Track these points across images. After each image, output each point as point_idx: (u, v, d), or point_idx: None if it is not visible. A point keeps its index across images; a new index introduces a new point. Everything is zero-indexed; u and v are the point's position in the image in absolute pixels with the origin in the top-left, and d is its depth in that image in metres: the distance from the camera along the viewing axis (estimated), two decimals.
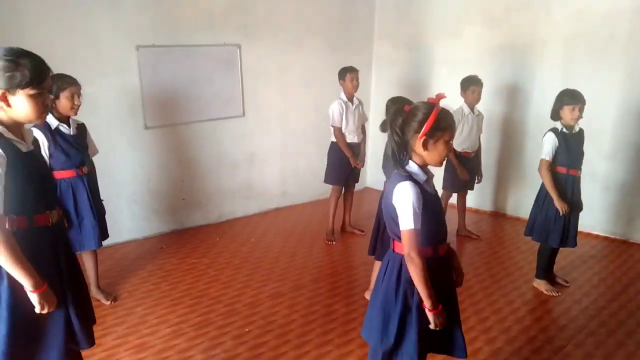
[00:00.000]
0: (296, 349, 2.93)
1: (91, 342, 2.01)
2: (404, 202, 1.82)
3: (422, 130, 1.82)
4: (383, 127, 2.70)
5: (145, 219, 4.64)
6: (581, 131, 3.56)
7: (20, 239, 1.71)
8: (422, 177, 1.88)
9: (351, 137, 4.54)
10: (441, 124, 1.83)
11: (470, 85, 4.37)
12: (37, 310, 1.75)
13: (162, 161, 4.69)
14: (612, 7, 4.48)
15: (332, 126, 4.52)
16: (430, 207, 1.88)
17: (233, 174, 5.23)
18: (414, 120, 1.85)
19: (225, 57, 4.94)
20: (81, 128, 3.22)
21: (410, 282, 1.90)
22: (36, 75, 1.67)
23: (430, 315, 1.88)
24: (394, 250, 1.98)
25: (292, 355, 2.87)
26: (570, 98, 3.41)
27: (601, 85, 4.58)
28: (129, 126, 4.41)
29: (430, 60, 5.74)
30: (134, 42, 4.31)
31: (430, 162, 1.90)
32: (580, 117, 3.43)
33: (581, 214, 3.65)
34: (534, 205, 3.71)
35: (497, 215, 5.46)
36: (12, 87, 1.65)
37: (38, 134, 2.87)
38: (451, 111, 4.44)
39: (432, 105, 1.85)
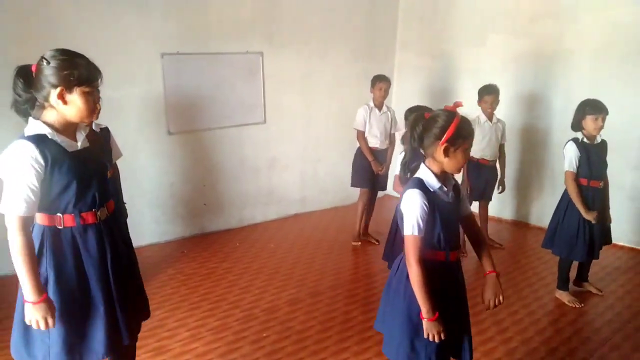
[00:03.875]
0: (313, 355, 2.93)
1: (133, 337, 2.07)
2: (410, 209, 1.86)
3: (444, 137, 1.84)
4: (404, 140, 2.73)
5: (167, 223, 4.71)
6: (604, 142, 3.50)
7: (67, 238, 1.82)
8: (435, 184, 1.90)
9: (374, 142, 4.56)
10: (462, 132, 1.86)
11: (485, 95, 4.35)
12: (27, 322, 1.77)
13: (185, 166, 4.76)
14: None
15: (354, 128, 4.56)
16: (443, 215, 1.90)
17: (254, 180, 5.28)
18: (435, 126, 1.87)
19: (248, 64, 5.00)
20: (104, 132, 3.28)
21: None
22: (90, 73, 1.75)
23: (424, 324, 1.89)
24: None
25: None
26: (592, 108, 3.36)
27: (630, 97, 4.49)
28: (152, 131, 4.49)
29: (454, 68, 5.71)
30: (159, 49, 4.40)
31: (448, 169, 1.92)
32: (602, 127, 3.37)
33: None
34: (553, 215, 3.66)
35: (520, 225, 5.38)
36: (68, 85, 1.71)
37: None
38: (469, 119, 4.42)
39: (452, 113, 1.87)
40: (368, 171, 4.58)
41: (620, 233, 4.63)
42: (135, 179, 4.33)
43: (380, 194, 5.08)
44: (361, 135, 4.55)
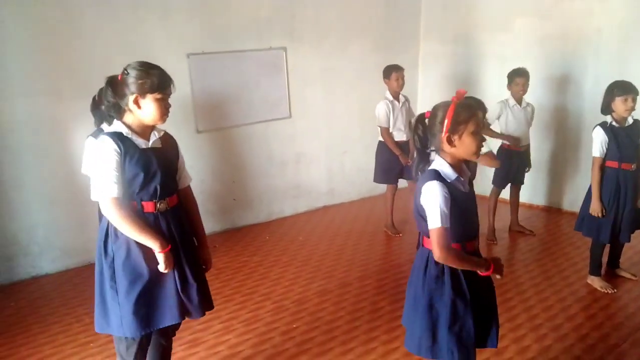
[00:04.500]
0: (342, 345, 2.99)
1: (203, 311, 2.25)
2: (432, 201, 1.84)
3: (444, 128, 1.85)
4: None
5: None
6: (636, 123, 3.42)
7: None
8: (451, 175, 1.89)
9: (399, 136, 4.56)
10: (460, 117, 1.85)
11: (515, 77, 4.28)
12: (161, 269, 2.06)
13: (214, 163, 4.88)
14: None
15: (379, 127, 4.54)
16: (460, 206, 1.89)
17: (282, 174, 5.36)
18: (435, 121, 1.89)
19: (272, 60, 5.06)
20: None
21: (436, 278, 1.93)
22: (162, 82, 2.00)
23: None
24: (423, 246, 2.01)
25: (338, 352, 2.93)
26: (621, 89, 3.29)
27: None
28: (182, 131, 4.57)
29: (479, 54, 5.64)
30: (184, 50, 4.51)
31: (463, 156, 1.92)
32: (633, 108, 3.30)
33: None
34: (585, 198, 3.61)
35: (552, 211, 5.30)
36: (142, 92, 1.98)
37: None
38: (495, 103, 4.34)
39: (448, 102, 1.88)
40: (393, 166, 4.56)
41: None
42: None
43: (403, 184, 5.05)
44: (386, 132, 4.52)
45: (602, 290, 3.51)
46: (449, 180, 1.89)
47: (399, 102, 4.55)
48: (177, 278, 2.12)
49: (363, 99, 5.60)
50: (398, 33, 5.92)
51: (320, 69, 5.41)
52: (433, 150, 1.98)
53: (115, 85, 2.02)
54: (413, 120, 4.55)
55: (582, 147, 4.97)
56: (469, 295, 1.94)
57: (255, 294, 3.67)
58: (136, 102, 1.99)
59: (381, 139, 4.61)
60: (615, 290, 3.51)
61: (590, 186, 3.54)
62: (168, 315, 2.13)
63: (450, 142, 1.86)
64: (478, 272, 1.93)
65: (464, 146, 1.87)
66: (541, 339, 2.97)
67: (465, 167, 2.00)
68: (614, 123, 3.36)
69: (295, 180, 5.49)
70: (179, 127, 4.55)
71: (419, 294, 1.99)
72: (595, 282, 3.60)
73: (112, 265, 2.07)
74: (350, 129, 5.75)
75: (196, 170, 4.74)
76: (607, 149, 3.38)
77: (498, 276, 1.97)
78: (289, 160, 5.40)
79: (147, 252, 2.05)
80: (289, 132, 5.31)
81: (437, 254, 1.84)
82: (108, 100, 2.05)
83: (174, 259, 2.09)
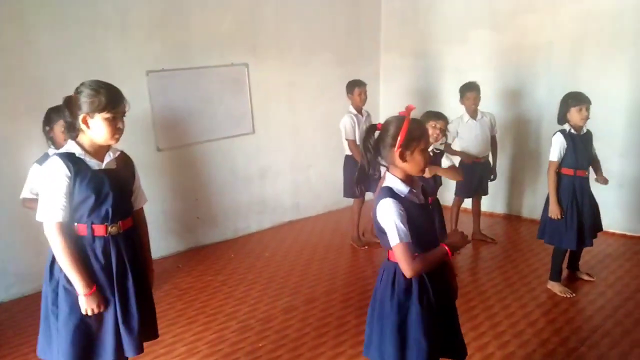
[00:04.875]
0: None
1: (138, 350, 2.15)
2: (388, 219, 1.86)
3: (397, 143, 1.87)
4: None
5: (161, 239, 4.73)
6: (589, 132, 3.56)
7: (79, 245, 2.01)
8: (404, 190, 1.91)
9: None
10: (414, 134, 1.88)
11: (466, 92, 4.41)
12: (83, 311, 2.00)
13: (176, 181, 4.80)
14: (617, 6, 4.46)
15: (347, 139, 4.59)
16: (417, 218, 1.91)
17: (246, 190, 5.32)
18: (387, 135, 1.90)
19: (234, 76, 5.05)
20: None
21: (405, 292, 1.93)
22: (111, 101, 1.96)
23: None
24: (388, 259, 2.01)
25: None
26: (575, 100, 3.43)
27: (610, 84, 4.56)
28: (141, 149, 4.50)
29: (438, 67, 5.77)
30: (144, 67, 4.44)
31: (412, 172, 1.94)
32: (587, 117, 3.43)
33: None
34: (544, 206, 3.71)
35: (512, 218, 5.43)
36: (91, 111, 1.95)
37: None
38: (451, 119, 4.47)
39: (402, 117, 1.89)
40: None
41: (611, 220, 4.66)
42: None
43: (371, 196, 5.11)
44: (353, 144, 4.56)
45: (562, 295, 3.60)
46: (402, 195, 1.91)
47: (362, 116, 4.61)
48: (118, 309, 2.07)
49: (327, 112, 5.64)
50: (359, 47, 6.01)
51: (284, 84, 5.42)
52: (384, 165, 1.99)
53: (70, 104, 2.00)
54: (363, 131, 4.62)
55: (539, 155, 5.12)
56: (435, 307, 1.95)
57: (220, 314, 3.61)
58: (85, 121, 1.96)
59: (347, 152, 4.65)
60: (574, 294, 3.60)
61: (548, 194, 3.64)
62: (105, 352, 2.07)
63: (402, 157, 1.88)
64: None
65: (414, 162, 1.90)
66: (504, 346, 3.01)
67: (416, 179, 2.02)
68: (572, 131, 3.48)
69: (261, 195, 5.46)
70: (138, 146, 4.49)
71: (387, 311, 1.96)
72: (555, 287, 3.68)
73: (55, 289, 2.04)
74: (316, 143, 5.77)
75: (158, 189, 4.67)
76: (565, 156, 3.49)
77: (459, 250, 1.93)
78: (254, 175, 5.37)
79: None
80: (252, 147, 5.28)
81: (406, 271, 1.85)
82: (66, 121, 2.03)
83: (102, 298, 2.03)
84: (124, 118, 2.06)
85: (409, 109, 1.90)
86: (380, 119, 6.09)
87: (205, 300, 3.84)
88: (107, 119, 1.96)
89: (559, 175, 3.53)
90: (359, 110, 4.62)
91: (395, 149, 1.87)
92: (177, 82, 4.65)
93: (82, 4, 4.06)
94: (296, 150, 5.67)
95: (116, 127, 2.00)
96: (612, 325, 3.19)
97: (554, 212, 3.50)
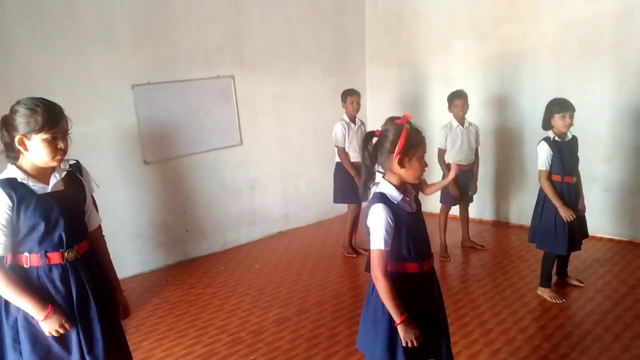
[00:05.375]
0: None
1: None
2: (376, 224, 1.91)
3: (397, 150, 1.89)
4: None
5: (150, 252, 4.71)
6: (574, 138, 3.59)
7: (34, 277, 1.88)
8: (397, 196, 1.94)
9: (355, 156, 4.63)
10: (413, 141, 1.92)
11: (454, 100, 4.45)
12: (46, 334, 1.88)
13: (164, 194, 4.77)
14: (595, 11, 4.54)
15: (336, 146, 4.62)
16: (408, 225, 1.94)
17: (235, 202, 5.30)
18: (386, 141, 1.93)
19: (220, 88, 5.05)
20: (73, 168, 3.28)
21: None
22: (48, 120, 1.81)
23: (399, 330, 1.92)
24: None
25: None
26: (559, 107, 3.46)
27: (593, 89, 4.62)
28: (128, 163, 4.50)
29: (423, 76, 5.82)
30: (129, 81, 4.43)
31: (408, 179, 1.97)
32: (571, 124, 3.47)
33: None
34: (533, 212, 3.74)
35: (500, 225, 5.46)
36: (27, 132, 1.80)
37: None
38: (440, 128, 4.53)
39: (400, 125, 1.92)
40: (350, 185, 4.62)
41: (597, 225, 4.73)
42: (115, 211, 4.32)
43: (363, 205, 5.12)
44: (342, 152, 4.61)
45: (552, 301, 3.62)
46: (395, 202, 1.93)
47: (354, 124, 4.65)
48: (82, 337, 1.94)
49: (316, 123, 5.67)
50: (345, 58, 6.05)
51: (271, 95, 5.43)
52: (380, 172, 2.02)
53: (7, 124, 1.83)
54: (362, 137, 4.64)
55: (524, 162, 5.17)
56: (422, 314, 1.99)
57: (211, 327, 3.57)
58: (22, 143, 1.81)
59: (338, 159, 4.68)
60: (564, 300, 3.62)
61: (537, 200, 3.66)
62: None
63: (401, 163, 1.91)
64: (395, 318, 1.93)
65: (412, 169, 1.94)
66: (495, 353, 3.01)
67: (410, 187, 2.04)
68: (556, 138, 3.51)
69: (250, 207, 5.44)
70: (125, 159, 4.49)
71: (379, 316, 1.98)
72: (545, 293, 3.70)
73: (14, 325, 1.89)
74: (304, 153, 5.78)
75: (145, 202, 4.65)
76: (552, 163, 3.52)
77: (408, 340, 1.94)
78: (242, 187, 5.35)
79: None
80: (240, 159, 5.27)
81: (375, 276, 1.92)
82: (4, 142, 1.86)
83: (62, 315, 1.88)
84: (68, 135, 1.90)
85: (405, 117, 1.94)
86: (367, 128, 6.14)
87: (196, 313, 3.80)
88: (45, 140, 1.81)
89: (550, 179, 3.55)
90: (352, 119, 4.66)
91: (394, 155, 1.90)
92: (163, 95, 4.64)
93: (66, 18, 4.05)
94: (285, 161, 5.66)
95: (56, 148, 1.85)
96: (602, 330, 3.20)
97: (566, 214, 3.44)
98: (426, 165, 1.99)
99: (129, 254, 4.54)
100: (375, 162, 1.99)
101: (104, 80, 4.29)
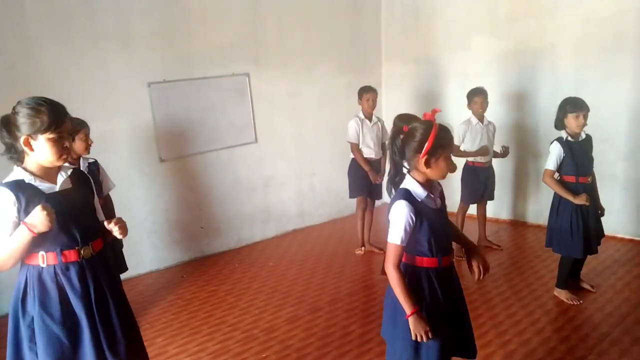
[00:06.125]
0: None
1: None
2: (397, 219, 1.92)
3: (424, 150, 1.89)
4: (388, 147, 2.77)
5: (165, 249, 4.75)
6: (588, 138, 3.51)
7: (51, 275, 1.88)
8: (422, 194, 1.94)
9: (369, 153, 4.61)
10: (441, 142, 1.91)
11: (474, 97, 4.38)
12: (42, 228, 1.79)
13: (179, 191, 4.81)
14: (618, 8, 4.43)
15: (348, 142, 4.61)
16: (431, 222, 1.95)
17: (250, 199, 5.31)
18: (414, 140, 1.92)
19: (235, 86, 5.06)
20: (92, 167, 3.33)
21: (415, 291, 1.96)
22: (54, 120, 1.81)
23: (410, 323, 1.91)
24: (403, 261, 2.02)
25: None
26: (573, 106, 3.38)
27: (613, 87, 4.52)
28: (144, 160, 4.55)
29: (440, 73, 5.75)
30: (145, 78, 4.47)
31: (434, 178, 1.98)
32: (585, 124, 3.39)
33: (603, 218, 3.60)
34: (549, 215, 3.66)
35: (517, 224, 5.38)
36: (33, 133, 1.80)
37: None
38: (460, 123, 4.47)
39: (430, 123, 1.91)
40: (364, 180, 4.62)
41: (617, 225, 4.64)
42: (131, 208, 4.36)
43: (377, 203, 5.10)
44: (355, 147, 4.60)
45: (569, 302, 3.56)
46: (419, 199, 1.94)
47: (370, 121, 4.63)
48: (102, 335, 1.95)
49: (331, 120, 5.65)
50: (361, 55, 6.02)
51: (286, 93, 5.43)
52: (406, 167, 2.02)
53: (8, 125, 1.83)
54: (389, 133, 4.61)
55: (541, 160, 5.06)
56: (444, 308, 1.99)
57: (224, 324, 3.59)
58: (27, 144, 1.81)
59: (352, 155, 4.66)
60: (582, 302, 3.55)
61: (553, 202, 3.58)
62: None
63: (427, 164, 1.90)
64: (406, 309, 1.93)
65: (438, 169, 1.93)
66: (510, 355, 2.97)
67: (436, 183, 2.04)
68: (569, 138, 3.44)
69: (265, 204, 5.45)
70: (141, 157, 4.54)
71: (399, 309, 1.98)
72: (562, 294, 3.64)
73: (31, 325, 1.89)
74: (320, 151, 5.77)
75: (161, 199, 4.69)
76: (564, 164, 3.45)
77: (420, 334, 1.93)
78: (257, 184, 5.36)
79: (63, 312, 1.89)
80: (255, 156, 5.29)
81: (387, 269, 1.95)
82: (5, 143, 1.86)
83: (97, 306, 1.92)
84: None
85: (434, 112, 1.93)
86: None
87: (209, 310, 3.83)
88: (51, 140, 1.81)
89: (562, 183, 3.49)
90: (368, 116, 4.64)
91: (421, 155, 1.89)
92: (179, 93, 4.67)
93: (84, 17, 4.10)
94: (300, 159, 5.66)
95: (63, 147, 1.85)
96: (621, 332, 3.14)
97: (581, 200, 3.35)
98: (455, 167, 1.98)
99: (145, 250, 4.59)
100: (404, 158, 1.98)
101: (121, 79, 4.33)
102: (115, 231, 1.93)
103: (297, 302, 3.87)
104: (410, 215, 1.90)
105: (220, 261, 4.86)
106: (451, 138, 1.96)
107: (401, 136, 1.97)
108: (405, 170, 2.02)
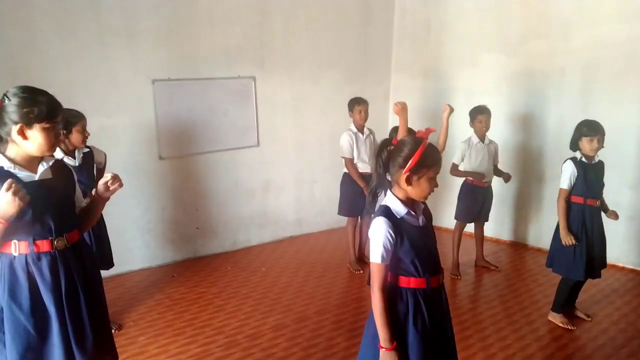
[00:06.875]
0: None
1: None
2: (376, 237, 1.85)
3: (407, 167, 1.82)
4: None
5: (159, 247, 4.72)
6: (601, 162, 3.45)
7: (22, 264, 1.85)
8: (401, 211, 1.87)
9: (364, 167, 4.52)
10: (427, 161, 1.84)
11: (477, 115, 4.33)
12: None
13: (176, 191, 4.78)
14: (630, 33, 4.35)
15: (343, 157, 4.51)
16: (412, 240, 1.87)
17: (248, 203, 5.27)
18: (400, 155, 1.86)
19: (240, 88, 5.04)
20: (87, 155, 3.32)
21: (404, 315, 1.89)
22: (51, 110, 1.81)
23: (381, 353, 1.85)
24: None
25: None
26: (589, 129, 3.33)
27: (623, 113, 4.43)
28: (143, 157, 4.53)
29: (448, 88, 5.69)
30: (150, 76, 4.46)
31: (413, 197, 1.90)
32: (599, 147, 3.34)
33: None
34: (553, 235, 3.58)
35: (518, 246, 5.28)
36: (29, 122, 1.79)
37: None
38: (461, 141, 4.41)
39: (419, 140, 1.85)
40: (358, 197, 4.45)
41: (620, 254, 4.54)
42: (126, 204, 4.34)
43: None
44: (350, 163, 4.48)
45: (563, 326, 3.47)
46: (398, 217, 1.87)
47: (362, 134, 4.54)
48: (71, 330, 1.92)
49: (335, 129, 5.56)
50: (370, 65, 5.97)
51: (291, 98, 5.40)
52: (389, 181, 1.95)
53: None
54: (377, 145, 4.53)
55: (545, 183, 5.00)
56: (429, 333, 1.91)
57: (208, 327, 3.54)
58: (21, 132, 1.79)
59: (346, 170, 4.57)
60: (575, 328, 3.46)
61: (557, 223, 3.52)
62: None
63: (408, 181, 1.84)
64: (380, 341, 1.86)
65: (419, 188, 1.86)
66: None
67: (419, 201, 1.96)
68: (583, 159, 3.38)
69: (263, 208, 5.40)
70: (140, 153, 4.52)
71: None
72: (557, 318, 3.55)
73: (0, 314, 1.87)
74: (321, 158, 5.72)
75: (157, 197, 4.66)
76: (575, 184, 3.39)
77: None
78: (257, 188, 5.32)
79: (32, 302, 1.87)
80: (256, 160, 5.25)
81: (373, 289, 1.87)
82: None
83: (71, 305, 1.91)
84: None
85: (428, 132, 1.86)
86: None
87: (196, 312, 3.77)
88: (46, 129, 1.81)
89: (568, 203, 3.43)
90: (360, 129, 4.54)
91: (404, 171, 1.83)
92: (182, 92, 4.65)
93: (90, 12, 4.10)
94: (301, 166, 5.62)
95: (56, 137, 1.87)
96: None
97: (565, 239, 3.37)
98: (436, 185, 1.91)
99: (138, 247, 4.56)
100: (387, 171, 1.92)
101: (124, 74, 4.33)
102: (110, 181, 2.00)
103: (284, 309, 3.81)
104: (389, 232, 1.82)
105: (214, 263, 4.81)
106: (438, 160, 1.88)
107: (389, 148, 1.91)
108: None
